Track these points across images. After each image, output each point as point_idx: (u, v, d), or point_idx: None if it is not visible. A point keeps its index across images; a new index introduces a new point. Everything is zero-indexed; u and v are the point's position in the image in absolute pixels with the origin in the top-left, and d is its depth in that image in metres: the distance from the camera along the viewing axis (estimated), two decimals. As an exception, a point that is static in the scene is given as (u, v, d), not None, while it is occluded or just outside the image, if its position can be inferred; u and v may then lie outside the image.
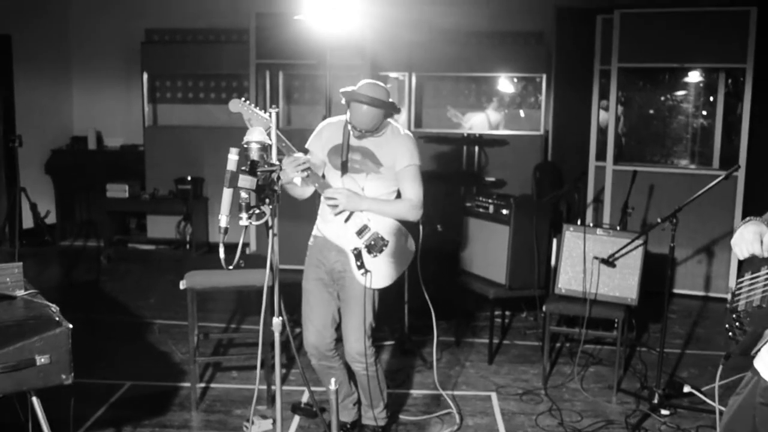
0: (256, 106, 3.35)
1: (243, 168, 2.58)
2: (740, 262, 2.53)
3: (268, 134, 2.81)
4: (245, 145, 2.67)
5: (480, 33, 8.81)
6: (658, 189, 6.78)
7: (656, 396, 4.45)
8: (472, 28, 8.71)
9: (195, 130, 8.87)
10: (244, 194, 2.58)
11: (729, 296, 6.85)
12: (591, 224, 5.09)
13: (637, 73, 7.47)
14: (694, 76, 7.53)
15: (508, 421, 4.32)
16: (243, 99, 3.36)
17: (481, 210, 5.43)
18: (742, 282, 2.49)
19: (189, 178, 8.47)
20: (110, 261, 8.16)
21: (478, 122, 8.78)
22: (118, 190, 8.44)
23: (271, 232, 2.72)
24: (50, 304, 3.08)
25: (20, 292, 3.24)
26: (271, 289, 2.92)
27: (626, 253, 4.73)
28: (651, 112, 7.85)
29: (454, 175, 8.13)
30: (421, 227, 3.98)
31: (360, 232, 3.64)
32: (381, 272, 3.66)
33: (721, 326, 6.27)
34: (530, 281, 5.21)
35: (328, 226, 3.71)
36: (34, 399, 2.91)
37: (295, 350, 3.57)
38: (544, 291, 5.28)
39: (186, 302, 4.32)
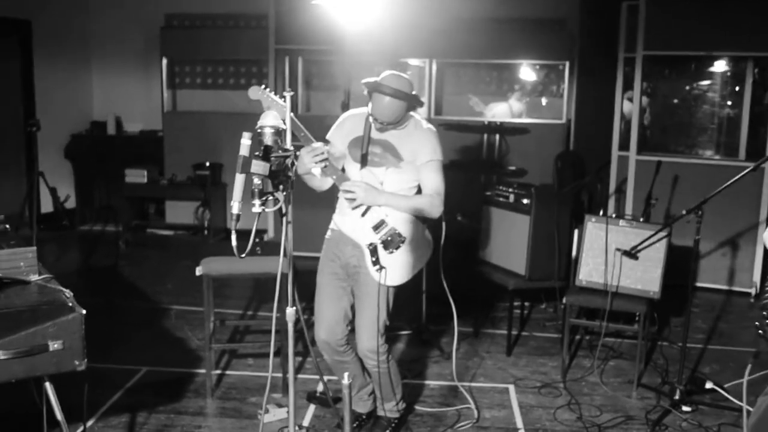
0: (275, 93, 3.28)
1: (256, 153, 2.52)
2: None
3: (283, 119, 2.74)
4: (259, 130, 2.61)
5: (502, 19, 8.68)
6: (682, 180, 6.66)
7: (677, 392, 4.37)
8: (493, 15, 8.58)
9: (214, 116, 8.83)
10: (257, 180, 2.51)
11: (753, 291, 6.72)
12: (614, 215, 5.00)
13: (662, 61, 7.33)
14: (721, 65, 7.38)
15: (525, 415, 4.26)
16: (263, 86, 3.30)
17: (501, 199, 5.35)
18: (773, 278, 2.41)
19: (207, 164, 8.45)
20: (128, 246, 8.16)
21: (501, 111, 8.66)
22: (137, 176, 8.45)
23: (285, 219, 2.65)
24: (64, 289, 3.05)
25: (34, 277, 3.21)
26: (285, 276, 2.87)
27: (650, 245, 4.64)
28: (676, 101, 7.71)
29: (474, 164, 8.03)
30: (444, 224, 3.88)
31: (377, 227, 3.56)
32: (396, 269, 3.58)
33: (745, 321, 6.22)
34: (550, 272, 5.13)
35: (344, 220, 3.64)
36: (48, 384, 2.89)
37: (308, 339, 3.54)
38: (565, 282, 5.19)
39: (201, 287, 4.28)
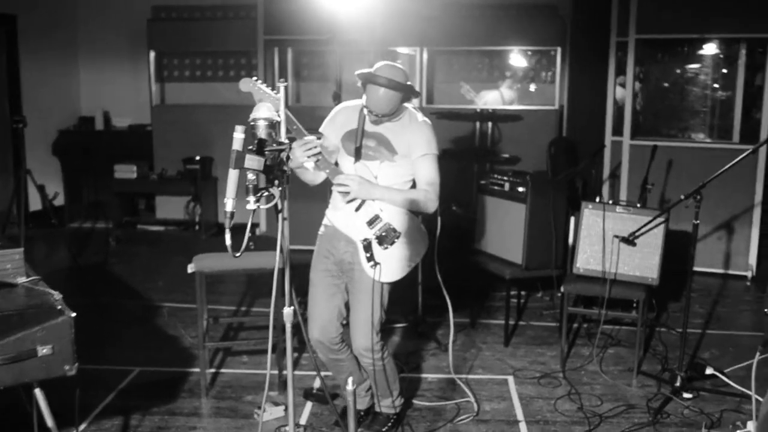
0: (267, 84, 3.19)
1: (250, 147, 2.42)
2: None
3: (277, 111, 2.65)
4: (252, 123, 2.52)
5: (493, 5, 8.59)
6: (676, 164, 6.61)
7: (678, 379, 4.32)
8: (484, 1, 8.50)
9: (203, 109, 8.74)
10: (251, 176, 2.42)
11: (749, 274, 6.69)
12: (610, 201, 4.94)
13: (654, 44, 7.26)
14: (714, 48, 7.31)
15: (526, 406, 4.20)
16: (254, 78, 3.20)
17: (496, 188, 5.29)
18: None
19: (197, 158, 8.36)
20: (119, 243, 8.07)
21: (492, 99, 8.59)
22: (126, 171, 8.35)
23: (281, 216, 2.57)
24: (52, 291, 2.96)
25: (21, 279, 3.13)
26: (281, 272, 2.80)
27: (647, 231, 4.58)
28: (668, 85, 7.65)
29: (467, 152, 7.96)
30: (438, 218, 3.80)
31: (371, 223, 3.48)
32: (391, 265, 3.51)
33: (742, 305, 6.18)
34: (547, 261, 5.07)
35: (337, 215, 3.55)
36: (37, 391, 2.82)
37: (306, 334, 3.47)
38: (562, 271, 5.13)
39: (194, 284, 4.20)
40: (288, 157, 2.52)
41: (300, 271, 3.85)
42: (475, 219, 5.54)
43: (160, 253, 7.80)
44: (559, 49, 8.27)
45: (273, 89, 3.14)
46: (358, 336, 3.54)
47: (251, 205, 2.45)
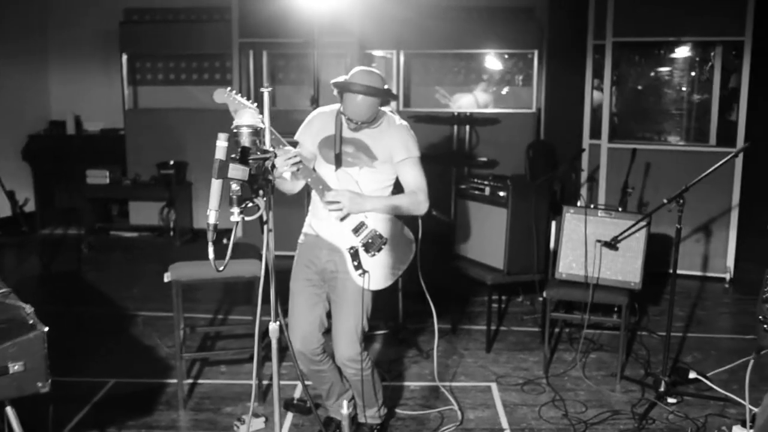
0: (240, 90, 3.11)
1: (233, 156, 2.32)
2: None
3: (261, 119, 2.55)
4: (235, 130, 2.42)
5: (469, 8, 8.56)
6: (653, 167, 6.61)
7: (663, 384, 4.29)
8: (460, 3, 8.46)
9: (177, 113, 8.60)
10: (235, 186, 2.32)
11: (727, 276, 6.68)
12: (592, 205, 4.91)
13: (631, 47, 7.26)
14: (690, 51, 7.33)
15: (510, 414, 4.15)
16: (228, 89, 3.10)
17: (476, 192, 5.24)
18: (776, 272, 2.30)
19: (172, 163, 8.21)
20: (91, 249, 7.91)
21: (466, 103, 8.56)
22: (98, 176, 8.18)
23: (266, 227, 2.47)
24: (24, 304, 2.85)
25: (-9, 292, 3.01)
26: (264, 282, 2.71)
27: (629, 235, 4.55)
28: (642, 88, 7.65)
29: (445, 156, 7.91)
30: (420, 220, 3.75)
31: (357, 230, 3.41)
32: (378, 273, 3.44)
33: (721, 307, 6.19)
34: (529, 266, 5.02)
35: (321, 224, 3.46)
36: (9, 409, 2.70)
37: (290, 343, 3.37)
38: (544, 275, 5.10)
39: (170, 293, 4.10)
40: (273, 166, 2.42)
41: (279, 276, 3.76)
42: (454, 224, 5.48)
43: (134, 260, 7.66)
44: (536, 52, 8.25)
45: (249, 99, 3.06)
46: (341, 346, 3.46)
47: (235, 217, 2.35)
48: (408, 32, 8.11)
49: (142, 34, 8.57)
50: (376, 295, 3.53)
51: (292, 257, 3.61)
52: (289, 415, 4.07)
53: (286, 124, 3.49)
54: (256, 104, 2.98)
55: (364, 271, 3.39)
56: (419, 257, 3.76)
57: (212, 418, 4.06)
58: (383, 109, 3.47)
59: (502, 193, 5.01)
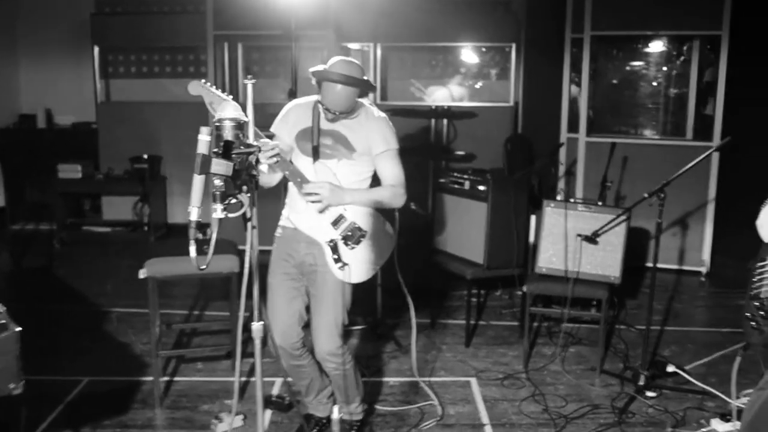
0: (215, 83, 3.04)
1: (215, 150, 2.24)
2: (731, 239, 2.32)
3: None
4: (217, 124, 2.34)
5: (446, 1, 8.52)
6: (630, 161, 6.62)
7: (642, 377, 4.29)
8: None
9: (150, 106, 8.48)
10: (218, 182, 2.24)
11: (703, 269, 6.71)
12: (571, 200, 4.90)
13: (609, 41, 7.26)
14: (667, 45, 7.34)
15: (490, 409, 4.12)
16: (203, 80, 3.03)
17: (456, 186, 5.21)
18: (764, 266, 2.28)
19: (145, 157, 8.09)
20: (64, 245, 7.78)
21: (441, 97, 8.53)
22: (70, 171, 8.04)
23: (249, 224, 2.40)
24: (-6, 304, 2.77)
25: (-40, 290, 2.92)
26: (239, 276, 2.64)
27: (610, 229, 4.54)
28: (620, 81, 7.66)
29: (422, 150, 7.86)
30: (397, 212, 3.72)
31: (336, 223, 3.36)
32: (359, 265, 3.40)
33: (697, 301, 6.22)
34: (509, 260, 5.00)
35: (299, 217, 3.41)
36: (-21, 410, 2.63)
37: (272, 339, 3.31)
38: (523, 270, 5.08)
39: (145, 288, 4.01)
40: (257, 161, 2.35)
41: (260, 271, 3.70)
42: (432, 218, 5.45)
43: (108, 255, 7.54)
44: (513, 46, 8.23)
45: (224, 91, 3.00)
46: (321, 340, 3.42)
47: (218, 214, 2.27)
48: (385, 25, 8.05)
49: (115, 26, 8.44)
50: (355, 288, 3.48)
51: (268, 251, 3.54)
52: (267, 413, 4.01)
53: (261, 118, 3.40)
54: (231, 96, 2.91)
55: (344, 264, 3.34)
56: (397, 252, 3.72)
57: (189, 416, 3.99)
58: (361, 100, 3.42)
59: (481, 187, 4.98)
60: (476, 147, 7.89)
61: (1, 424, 2.66)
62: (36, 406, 3.88)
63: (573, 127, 7.19)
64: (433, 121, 8.01)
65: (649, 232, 6.63)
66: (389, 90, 8.81)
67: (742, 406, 3.67)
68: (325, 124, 3.39)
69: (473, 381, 4.50)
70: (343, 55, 3.41)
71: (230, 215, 2.27)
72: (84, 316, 5.61)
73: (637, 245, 5.85)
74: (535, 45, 8.06)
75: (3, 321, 2.60)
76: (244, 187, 2.29)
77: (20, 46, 9.14)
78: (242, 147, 2.28)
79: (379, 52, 8.27)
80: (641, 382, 4.29)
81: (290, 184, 3.41)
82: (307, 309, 3.52)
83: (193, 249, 2.24)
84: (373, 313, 5.24)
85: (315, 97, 3.41)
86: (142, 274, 3.96)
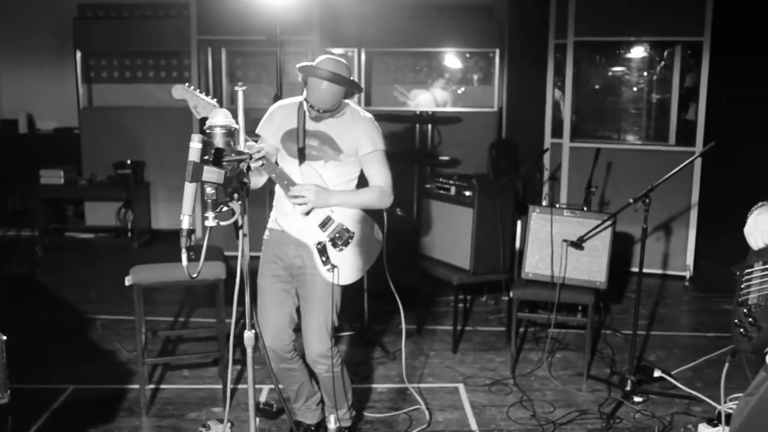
0: (201, 91, 3.02)
1: (206, 158, 2.23)
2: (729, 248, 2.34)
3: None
4: (207, 131, 2.33)
5: (429, 7, 8.56)
6: (614, 166, 6.65)
7: (629, 382, 4.31)
8: (422, 2, 8.45)
9: (133, 111, 8.43)
10: (210, 189, 2.23)
11: (687, 274, 6.74)
12: (557, 205, 4.92)
13: (592, 47, 7.30)
14: (649, 51, 7.40)
15: (479, 415, 4.12)
16: (187, 84, 3.02)
17: (442, 192, 5.21)
18: (752, 273, 2.30)
19: (128, 162, 8.04)
20: (46, 251, 7.71)
21: (424, 101, 8.55)
22: (52, 176, 7.96)
23: (241, 232, 2.39)
24: (-21, 312, 2.74)
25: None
26: (225, 282, 2.63)
27: (595, 234, 4.56)
28: (603, 87, 7.70)
29: (407, 155, 7.86)
30: (385, 215, 3.72)
31: (323, 225, 3.36)
32: (348, 267, 3.39)
33: (682, 305, 6.25)
34: (495, 266, 5.01)
35: (287, 220, 3.40)
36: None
37: (263, 343, 3.28)
38: (509, 275, 5.09)
39: (130, 295, 3.97)
40: (248, 168, 2.34)
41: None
42: (418, 223, 5.45)
43: (91, 261, 7.47)
44: (497, 51, 8.27)
45: (208, 95, 2.99)
46: (312, 342, 3.41)
47: (210, 222, 2.26)
48: (369, 30, 8.06)
49: (97, 31, 8.39)
50: (344, 291, 3.48)
51: (256, 257, 3.52)
52: (250, 419, 3.97)
53: (245, 122, 3.40)
54: (216, 99, 2.90)
55: (333, 266, 3.34)
56: (385, 257, 3.72)
57: (176, 424, 3.96)
58: (347, 101, 3.41)
59: (468, 193, 4.99)
60: (461, 152, 7.92)
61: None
62: (21, 415, 3.82)
63: (557, 132, 7.22)
64: (417, 126, 8.02)
65: (633, 237, 6.68)
66: (373, 95, 8.82)
67: (729, 411, 3.70)
68: (310, 125, 3.38)
69: (461, 387, 4.50)
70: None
71: (222, 223, 2.26)
72: (68, 324, 5.55)
73: (620, 250, 5.88)
74: (518, 50, 8.11)
75: (-12, 330, 2.57)
76: (236, 195, 2.27)
77: (1, 51, 9.06)
78: (233, 154, 2.27)
79: (363, 57, 8.28)
80: (628, 388, 4.30)
81: (277, 187, 3.40)
82: (297, 311, 3.51)
83: (185, 257, 2.23)
84: (360, 319, 5.23)
85: (300, 98, 3.40)
86: (128, 281, 3.93)
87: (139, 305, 3.98)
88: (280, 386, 3.61)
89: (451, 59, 8.74)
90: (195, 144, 2.19)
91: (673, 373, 4.66)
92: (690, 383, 4.51)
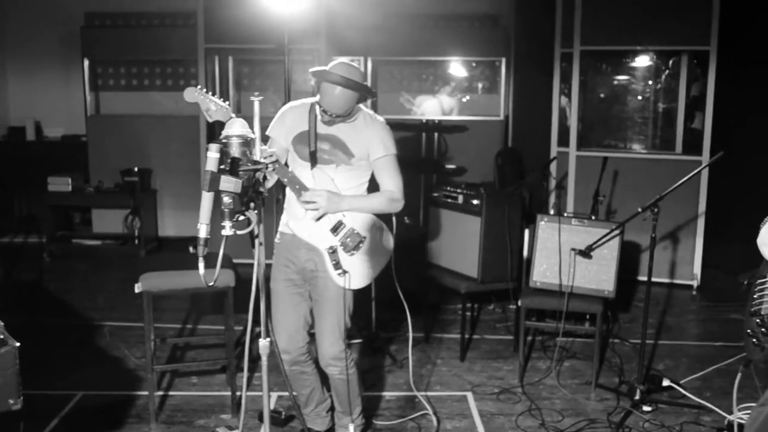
0: (213, 94, 3.03)
1: (223, 167, 2.24)
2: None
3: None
4: (224, 140, 2.34)
5: (436, 16, 8.58)
6: (621, 175, 6.65)
7: (637, 392, 4.30)
8: (428, 11, 8.47)
9: (140, 119, 8.45)
10: (227, 199, 2.23)
11: (694, 283, 6.73)
12: (565, 214, 4.92)
13: (598, 56, 7.31)
14: (656, 60, 7.41)
15: (487, 423, 4.12)
16: (199, 87, 3.03)
17: (449, 200, 5.22)
18: (765, 283, 2.30)
19: (136, 170, 8.06)
20: (53, 258, 7.72)
21: (430, 107, 8.57)
22: (60, 183, 7.99)
23: (257, 241, 2.39)
24: (-7, 320, 2.74)
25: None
26: (234, 289, 2.64)
27: (603, 243, 4.56)
28: (609, 96, 7.71)
29: (414, 163, 7.88)
30: (394, 220, 3.73)
31: (335, 229, 3.37)
32: (359, 271, 3.40)
33: (689, 314, 6.25)
34: (503, 274, 5.01)
35: (299, 224, 3.41)
36: (-23, 427, 2.59)
37: (277, 347, 3.28)
38: (517, 284, 5.09)
39: (137, 302, 3.99)
40: (265, 177, 2.34)
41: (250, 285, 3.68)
42: (426, 231, 5.45)
43: (98, 268, 7.48)
44: (503, 60, 8.29)
45: (221, 98, 3.00)
46: (325, 344, 3.42)
47: (227, 231, 2.26)
48: (376, 39, 8.09)
49: (105, 39, 8.42)
50: (355, 295, 3.50)
51: (268, 264, 3.52)
52: (263, 427, 3.98)
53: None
54: (228, 102, 2.90)
55: (344, 271, 3.34)
56: (394, 265, 3.72)
57: (185, 430, 3.97)
58: (359, 105, 3.42)
59: (475, 202, 4.99)
60: (467, 160, 7.93)
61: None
62: (30, 421, 3.84)
63: (563, 141, 7.22)
64: (423, 134, 8.04)
65: (640, 246, 6.68)
66: (380, 103, 8.83)
67: (741, 421, 3.70)
68: (322, 128, 3.38)
69: (469, 395, 4.50)
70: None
71: (238, 232, 2.26)
72: (76, 330, 5.56)
73: (627, 259, 5.87)
74: (524, 59, 8.12)
75: (2, 336, 2.58)
76: (252, 204, 2.28)
77: (9, 58, 9.11)
78: (249, 164, 2.27)
79: (369, 65, 8.30)
80: (637, 397, 4.30)
81: (288, 191, 3.41)
82: (311, 313, 3.52)
83: (202, 265, 2.23)
84: (368, 326, 5.23)
85: (311, 100, 3.41)
86: (137, 288, 3.94)
87: (149, 312, 3.98)
88: (294, 393, 3.61)
89: (457, 68, 8.76)
90: (212, 153, 2.20)
91: (681, 382, 4.65)
92: (699, 393, 4.50)
